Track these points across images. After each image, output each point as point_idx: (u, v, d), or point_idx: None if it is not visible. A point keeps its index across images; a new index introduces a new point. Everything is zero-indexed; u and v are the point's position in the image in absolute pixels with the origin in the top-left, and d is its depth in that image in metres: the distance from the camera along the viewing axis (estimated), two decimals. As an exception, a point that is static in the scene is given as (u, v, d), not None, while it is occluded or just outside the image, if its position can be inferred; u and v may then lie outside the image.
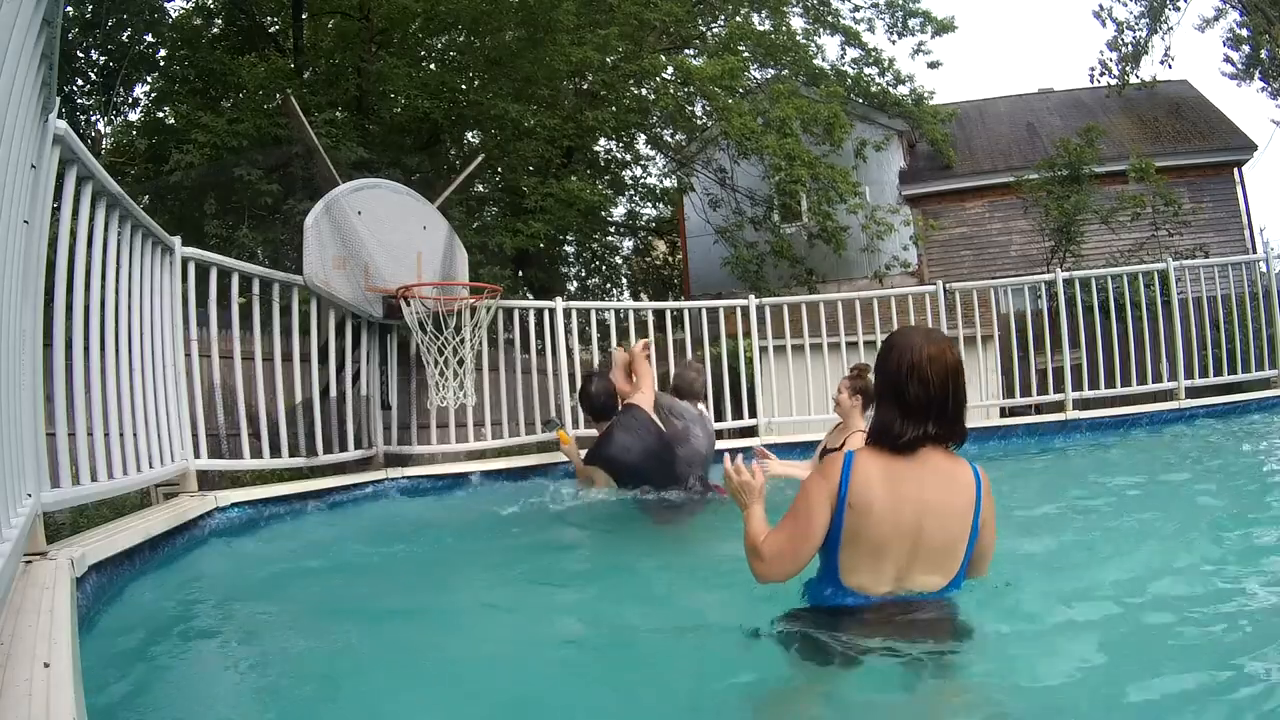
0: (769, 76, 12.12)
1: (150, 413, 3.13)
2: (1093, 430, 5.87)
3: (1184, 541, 2.69)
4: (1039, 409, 6.48)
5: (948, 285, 6.37)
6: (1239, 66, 14.62)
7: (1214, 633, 1.87)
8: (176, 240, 3.61)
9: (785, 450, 5.09)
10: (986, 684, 1.71)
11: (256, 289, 4.25)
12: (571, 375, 5.65)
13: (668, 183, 14.24)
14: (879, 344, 6.23)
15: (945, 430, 1.77)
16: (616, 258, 16.74)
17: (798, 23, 12.56)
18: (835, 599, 1.78)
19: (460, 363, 4.75)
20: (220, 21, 12.06)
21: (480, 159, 7.74)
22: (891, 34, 13.14)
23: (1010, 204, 12.50)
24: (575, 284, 15.65)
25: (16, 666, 1.29)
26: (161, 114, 11.53)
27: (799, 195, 11.93)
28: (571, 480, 4.48)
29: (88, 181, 2.60)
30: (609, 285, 16.51)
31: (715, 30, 12.50)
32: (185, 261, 3.70)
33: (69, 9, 9.04)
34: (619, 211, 15.57)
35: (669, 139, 12.84)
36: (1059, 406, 6.13)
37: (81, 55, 10.30)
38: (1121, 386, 6.27)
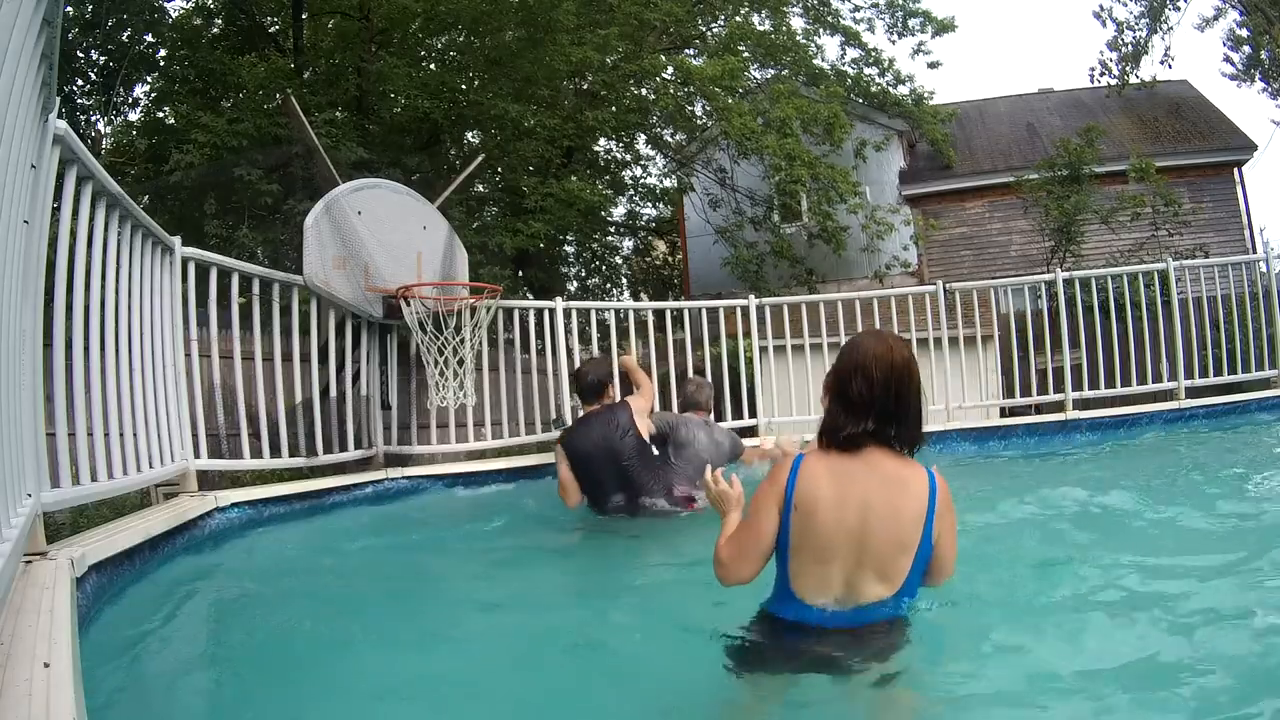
0: (769, 76, 12.12)
1: (150, 413, 3.13)
2: (1092, 430, 5.87)
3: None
4: (1039, 409, 6.48)
5: (948, 285, 6.36)
6: (1239, 68, 14.63)
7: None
8: (176, 240, 3.61)
9: (785, 450, 5.08)
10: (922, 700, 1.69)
11: (256, 289, 4.25)
12: (571, 375, 5.65)
13: (668, 183, 14.25)
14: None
15: (887, 428, 1.75)
16: (616, 258, 16.74)
17: (798, 23, 12.57)
18: (784, 610, 1.77)
19: (460, 363, 4.75)
20: (220, 21, 12.06)
21: (480, 159, 7.74)
22: (891, 34, 13.15)
23: (1010, 204, 12.50)
24: (575, 284, 15.65)
25: (16, 666, 1.29)
26: (161, 114, 11.53)
27: (799, 195, 11.93)
28: None
29: (88, 181, 2.60)
30: (609, 285, 16.51)
31: (715, 30, 12.50)
32: (185, 261, 3.70)
33: (69, 9, 9.04)
34: (619, 211, 15.58)
35: (669, 139, 12.85)
36: (1059, 406, 6.13)
37: (81, 55, 10.30)
38: (1121, 386, 6.26)
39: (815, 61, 12.38)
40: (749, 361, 6.23)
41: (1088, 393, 6.17)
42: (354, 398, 4.72)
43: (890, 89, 12.80)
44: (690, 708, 1.75)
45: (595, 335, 7.80)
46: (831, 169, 10.58)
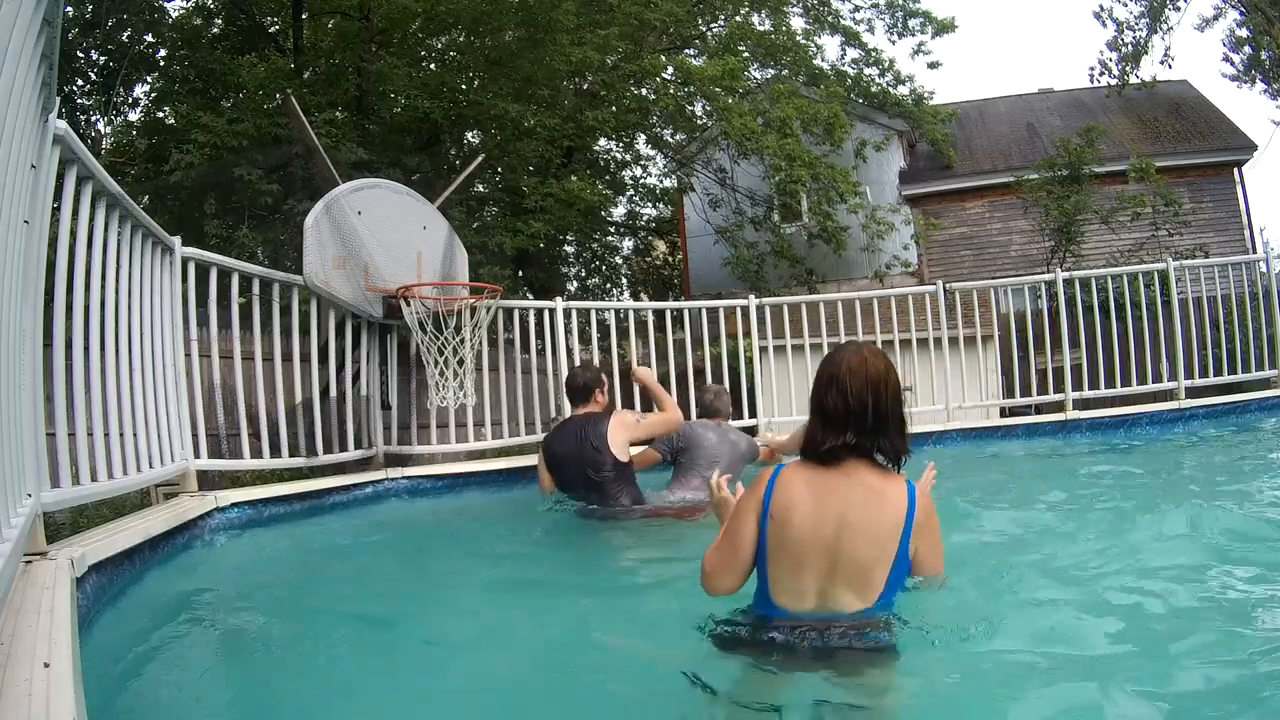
0: (769, 76, 12.13)
1: (150, 413, 3.13)
2: (1092, 430, 5.87)
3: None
4: (1039, 409, 6.48)
5: (948, 285, 6.36)
6: (1239, 68, 14.64)
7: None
8: (176, 240, 3.61)
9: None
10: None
11: (256, 289, 4.25)
12: (571, 375, 5.65)
13: (668, 183, 14.25)
14: (879, 344, 6.26)
15: (866, 440, 1.75)
16: (616, 258, 16.74)
17: (798, 23, 12.58)
18: (762, 610, 1.78)
19: (460, 363, 4.75)
20: (220, 21, 12.06)
21: (480, 159, 7.74)
22: (891, 34, 13.15)
23: (1010, 204, 12.50)
24: (575, 284, 15.65)
25: (16, 666, 1.29)
26: (161, 114, 11.53)
27: (799, 195, 11.93)
28: None
29: (88, 181, 2.60)
30: (609, 285, 16.51)
31: (715, 30, 12.50)
32: (185, 261, 3.70)
33: (69, 9, 9.04)
34: (619, 211, 15.58)
35: (669, 139, 12.85)
36: (1059, 406, 6.13)
37: (81, 55, 10.30)
38: (1121, 386, 6.27)
39: (815, 61, 12.38)
40: (749, 361, 6.23)
41: (1088, 393, 6.17)
42: (354, 398, 4.72)
43: (890, 89, 12.80)
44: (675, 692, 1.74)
45: (595, 335, 7.79)
46: (831, 169, 10.59)
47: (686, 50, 12.30)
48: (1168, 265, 6.33)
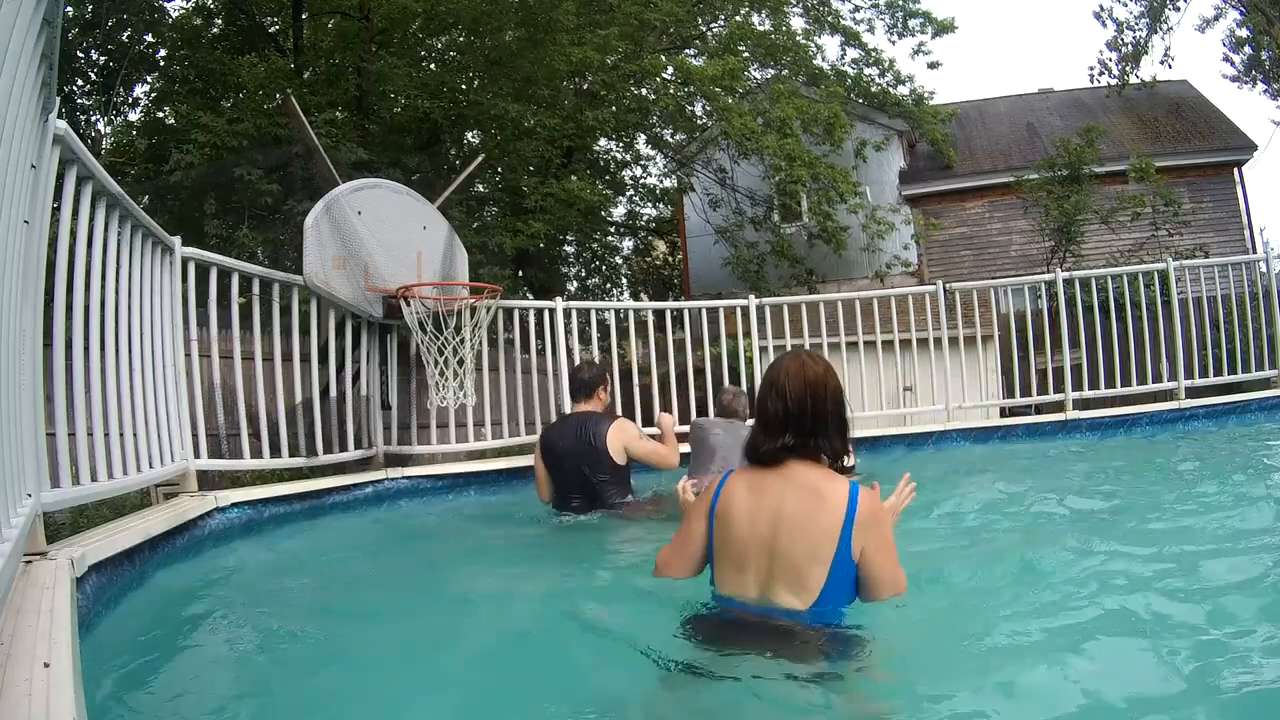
0: (769, 76, 12.12)
1: (150, 413, 3.13)
2: (1092, 430, 5.87)
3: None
4: (1039, 409, 6.49)
5: (948, 285, 6.37)
6: (1239, 69, 14.64)
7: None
8: (176, 240, 3.61)
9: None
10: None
11: (256, 289, 4.25)
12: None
13: (668, 183, 14.25)
14: (879, 344, 6.27)
15: (805, 442, 1.80)
16: (616, 258, 16.74)
17: (798, 23, 12.58)
18: (710, 606, 1.86)
19: (460, 363, 4.75)
20: (220, 21, 12.05)
21: (480, 159, 7.74)
22: (891, 34, 13.16)
23: (1010, 204, 12.50)
24: (575, 284, 15.65)
25: (16, 666, 1.29)
26: (161, 114, 11.53)
27: (799, 195, 11.94)
28: None
29: (88, 181, 2.60)
30: (609, 285, 16.51)
31: (715, 30, 12.50)
32: (185, 261, 3.70)
33: (69, 9, 9.04)
34: (619, 211, 15.58)
35: (669, 139, 12.85)
36: (1059, 406, 6.14)
37: (81, 55, 10.29)
38: (1121, 386, 6.27)
39: (815, 61, 12.38)
40: (749, 361, 6.24)
41: (1088, 393, 6.17)
42: (354, 398, 4.72)
43: (890, 89, 12.80)
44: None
45: (595, 335, 7.79)
46: (831, 169, 10.58)
47: (686, 50, 12.30)
48: (1168, 265, 6.33)
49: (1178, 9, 14.80)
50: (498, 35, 10.95)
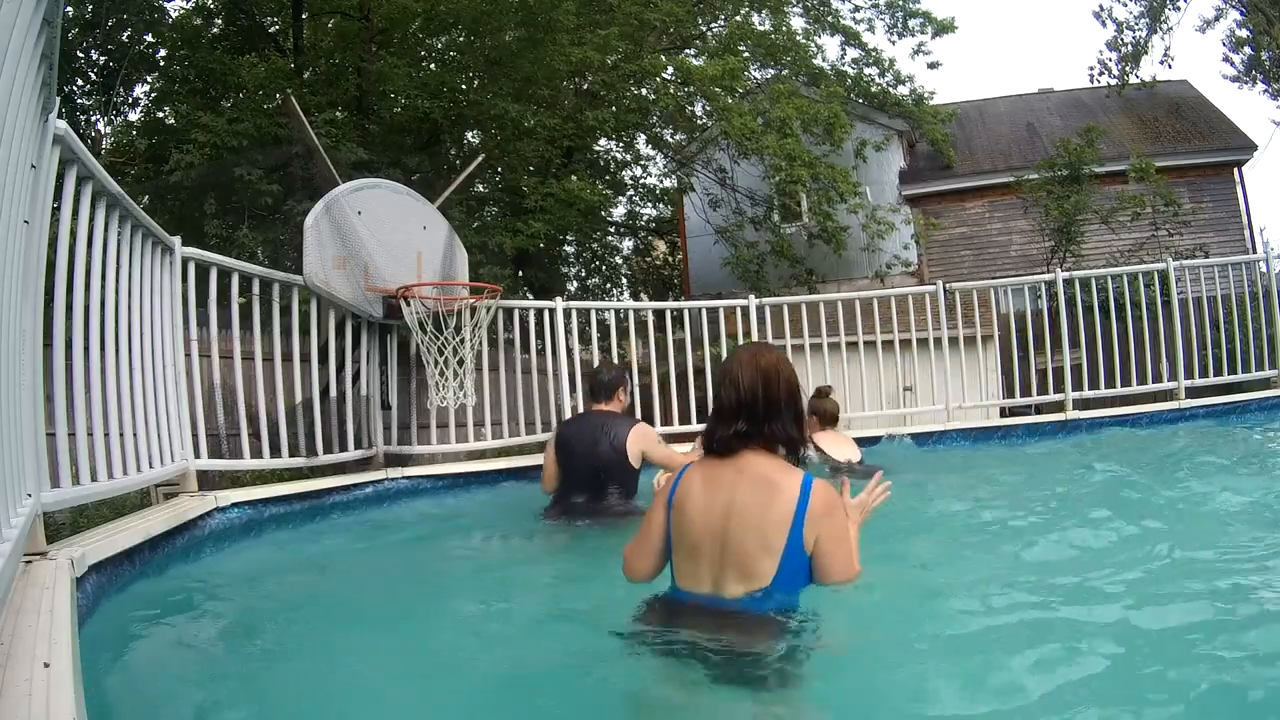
0: (769, 76, 12.12)
1: (150, 413, 3.13)
2: (1092, 430, 5.87)
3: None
4: (1039, 409, 6.49)
5: (948, 285, 6.37)
6: (1239, 69, 14.63)
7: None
8: (176, 240, 3.61)
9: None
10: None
11: (256, 289, 4.25)
12: (571, 375, 5.65)
13: (668, 183, 14.24)
14: (879, 344, 6.27)
15: (758, 429, 1.83)
16: (616, 258, 16.74)
17: (798, 23, 12.57)
18: (670, 593, 1.90)
19: (460, 363, 4.75)
20: (220, 21, 12.05)
21: (480, 159, 7.74)
22: (891, 34, 13.14)
23: (1010, 204, 12.50)
24: (575, 284, 15.65)
25: (16, 666, 1.29)
26: (161, 114, 11.53)
27: (799, 195, 11.93)
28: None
29: (88, 181, 2.60)
30: (609, 285, 16.51)
31: (715, 30, 12.50)
32: (185, 261, 3.70)
33: (69, 9, 9.04)
34: (619, 211, 15.57)
35: (669, 139, 12.85)
36: (1059, 406, 6.14)
37: (81, 55, 10.29)
38: (1121, 386, 6.27)
39: (815, 61, 12.38)
40: (749, 361, 6.22)
41: (1088, 393, 6.17)
42: (354, 398, 4.72)
43: (890, 89, 12.80)
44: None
45: (595, 335, 7.79)
46: (831, 169, 10.58)
47: (686, 50, 12.30)
48: (1168, 265, 6.33)
49: (1178, 9, 14.81)
50: (498, 35, 10.95)
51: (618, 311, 6.29)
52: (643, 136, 12.86)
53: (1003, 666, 1.77)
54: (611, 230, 15.85)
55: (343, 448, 4.62)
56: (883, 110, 12.96)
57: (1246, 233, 12.72)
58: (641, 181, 14.79)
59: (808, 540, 1.77)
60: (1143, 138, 13.43)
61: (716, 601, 1.79)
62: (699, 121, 12.25)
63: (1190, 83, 15.05)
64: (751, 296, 6.64)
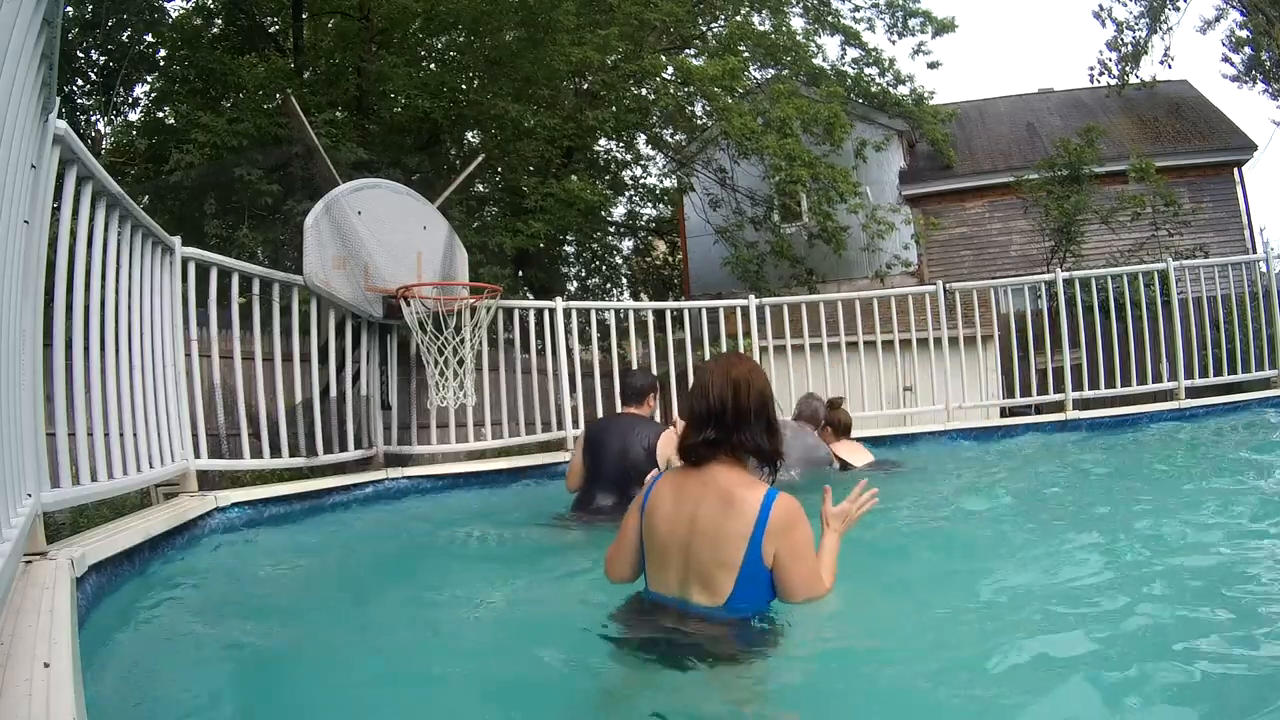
0: (769, 76, 12.12)
1: (150, 413, 3.13)
2: (1092, 430, 5.87)
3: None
4: (1039, 409, 6.49)
5: (948, 285, 6.37)
6: (1239, 69, 14.62)
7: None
8: (176, 240, 3.61)
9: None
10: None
11: (256, 289, 4.25)
12: (571, 375, 5.65)
13: (668, 183, 14.24)
14: (879, 344, 6.27)
15: (727, 437, 1.85)
16: (616, 258, 16.73)
17: (798, 23, 12.56)
18: (645, 594, 1.95)
19: (460, 363, 4.75)
20: (220, 21, 12.05)
21: (480, 159, 7.75)
22: (891, 34, 13.13)
23: (1010, 204, 12.49)
24: (575, 284, 15.65)
25: (16, 666, 1.29)
26: (161, 114, 11.53)
27: (799, 195, 11.93)
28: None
29: (88, 181, 2.60)
30: (609, 285, 16.50)
31: (715, 30, 12.50)
32: (185, 261, 3.70)
33: (69, 9, 9.04)
34: (619, 211, 15.57)
35: (669, 139, 12.84)
36: (1059, 406, 6.14)
37: (81, 55, 10.29)
38: (1121, 386, 6.27)
39: (815, 61, 12.37)
40: (749, 361, 6.22)
41: (1088, 393, 6.18)
42: (354, 398, 4.72)
43: (890, 89, 12.79)
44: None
45: (595, 335, 7.79)
46: (831, 169, 10.58)
47: (686, 50, 12.29)
48: (1168, 265, 6.33)
49: (1177, 9, 14.80)
50: (498, 35, 10.95)
51: (618, 311, 6.29)
52: (643, 136, 12.86)
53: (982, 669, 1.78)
54: (611, 230, 15.85)
55: (343, 448, 4.62)
56: (883, 110, 12.96)
57: (1246, 233, 12.71)
58: (641, 181, 14.81)
59: (766, 556, 1.78)
60: (1143, 138, 13.43)
61: (684, 605, 1.83)
62: (699, 121, 12.25)
63: (1190, 83, 15.04)
64: (751, 296, 6.64)
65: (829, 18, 12.58)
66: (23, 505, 1.94)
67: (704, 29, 12.53)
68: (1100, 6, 15.21)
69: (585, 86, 11.87)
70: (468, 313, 4.78)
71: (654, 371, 4.93)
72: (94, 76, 10.73)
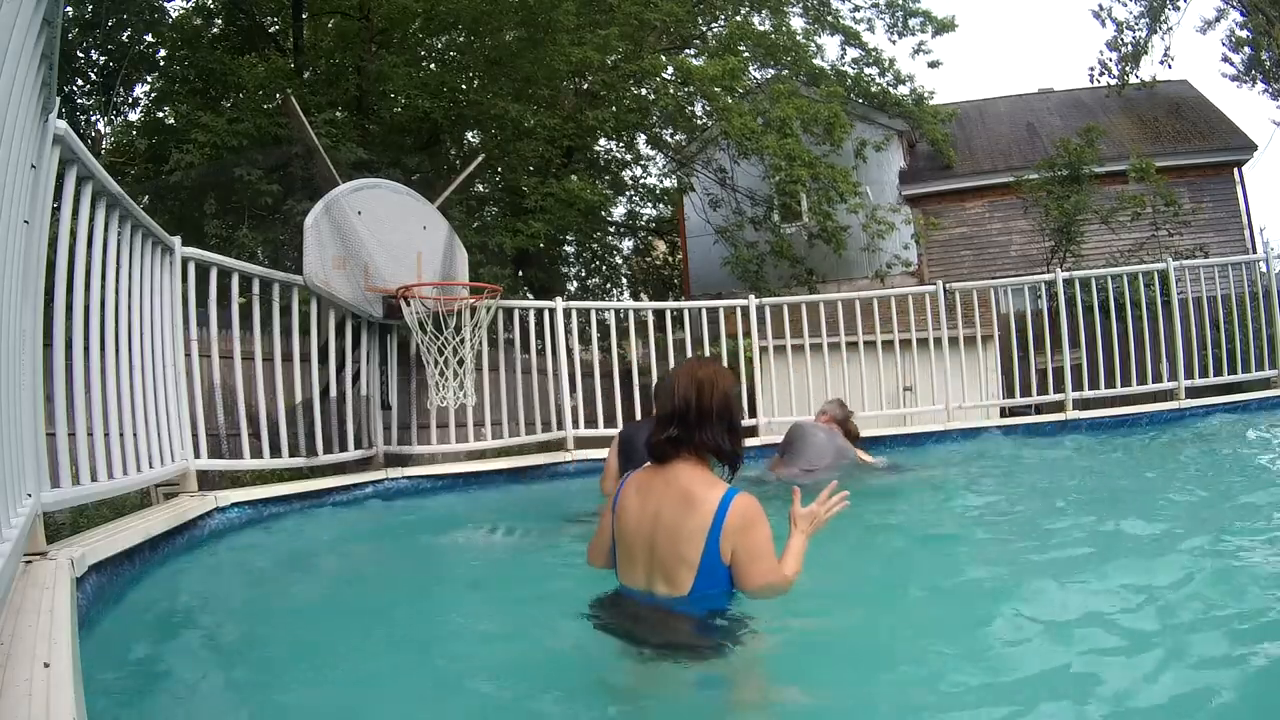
0: (769, 76, 12.12)
1: (150, 413, 3.13)
2: (1092, 430, 5.87)
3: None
4: (1039, 409, 6.49)
5: (948, 285, 6.37)
6: (1239, 69, 14.62)
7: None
8: (176, 240, 3.61)
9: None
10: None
11: (256, 289, 4.25)
12: (571, 375, 5.65)
13: (668, 183, 14.24)
14: (879, 344, 6.27)
15: (689, 435, 1.92)
16: (616, 258, 16.73)
17: (798, 23, 12.56)
18: (614, 588, 2.03)
19: (460, 363, 4.75)
20: (220, 21, 12.05)
21: (480, 159, 7.75)
22: (891, 34, 13.12)
23: (1010, 204, 12.49)
24: (575, 284, 15.65)
25: (16, 666, 1.29)
26: (161, 114, 11.53)
27: (799, 195, 11.93)
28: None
29: (88, 181, 2.60)
30: (609, 285, 16.50)
31: (715, 30, 12.49)
32: (185, 261, 3.70)
33: (69, 9, 9.04)
34: (619, 211, 15.57)
35: (669, 139, 12.84)
36: (1059, 406, 6.13)
37: (81, 55, 10.29)
38: (1121, 386, 6.27)
39: (815, 61, 12.36)
40: (749, 361, 6.23)
41: (1088, 393, 6.17)
42: (354, 398, 4.72)
43: (890, 89, 12.78)
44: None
45: (595, 335, 7.79)
46: (831, 169, 10.57)
47: (686, 50, 12.29)
48: (1168, 265, 6.33)
49: (1177, 9, 14.80)
50: (498, 35, 10.95)
51: (618, 311, 6.29)
52: (643, 136, 12.86)
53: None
54: (611, 230, 15.84)
55: (343, 448, 4.62)
56: (883, 110, 12.95)
57: (1246, 233, 12.71)
58: (641, 181, 14.80)
59: (724, 553, 1.85)
60: (1143, 138, 13.43)
61: (649, 598, 1.91)
62: (699, 121, 12.24)
63: (1190, 83, 15.04)
64: (751, 296, 6.64)
65: (829, 18, 12.58)
66: (23, 505, 1.94)
67: (704, 29, 12.53)
68: (1100, 6, 15.22)
69: (585, 86, 11.87)
70: (468, 313, 4.78)
71: (656, 372, 4.97)
72: (94, 76, 10.73)
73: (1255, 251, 11.22)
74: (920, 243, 12.38)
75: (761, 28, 12.10)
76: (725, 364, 6.28)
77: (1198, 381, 6.22)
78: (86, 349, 2.67)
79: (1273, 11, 13.54)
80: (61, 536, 2.40)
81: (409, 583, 2.98)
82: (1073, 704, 1.62)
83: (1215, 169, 12.88)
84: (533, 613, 2.45)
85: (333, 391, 4.64)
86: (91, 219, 2.67)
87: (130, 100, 11.64)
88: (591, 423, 5.67)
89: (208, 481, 3.81)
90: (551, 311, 5.61)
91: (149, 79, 11.44)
